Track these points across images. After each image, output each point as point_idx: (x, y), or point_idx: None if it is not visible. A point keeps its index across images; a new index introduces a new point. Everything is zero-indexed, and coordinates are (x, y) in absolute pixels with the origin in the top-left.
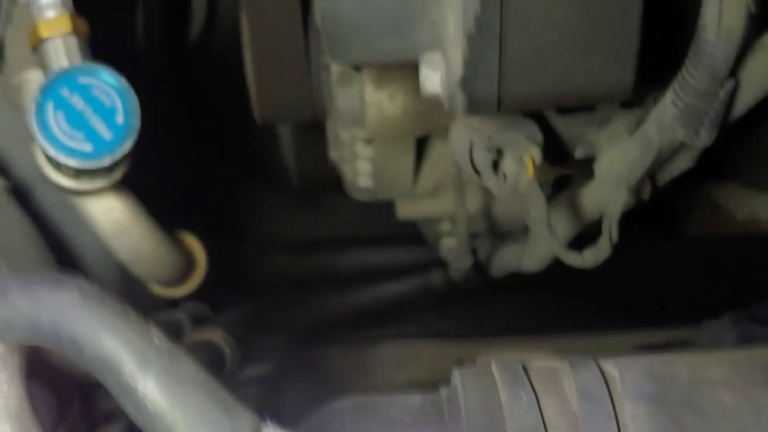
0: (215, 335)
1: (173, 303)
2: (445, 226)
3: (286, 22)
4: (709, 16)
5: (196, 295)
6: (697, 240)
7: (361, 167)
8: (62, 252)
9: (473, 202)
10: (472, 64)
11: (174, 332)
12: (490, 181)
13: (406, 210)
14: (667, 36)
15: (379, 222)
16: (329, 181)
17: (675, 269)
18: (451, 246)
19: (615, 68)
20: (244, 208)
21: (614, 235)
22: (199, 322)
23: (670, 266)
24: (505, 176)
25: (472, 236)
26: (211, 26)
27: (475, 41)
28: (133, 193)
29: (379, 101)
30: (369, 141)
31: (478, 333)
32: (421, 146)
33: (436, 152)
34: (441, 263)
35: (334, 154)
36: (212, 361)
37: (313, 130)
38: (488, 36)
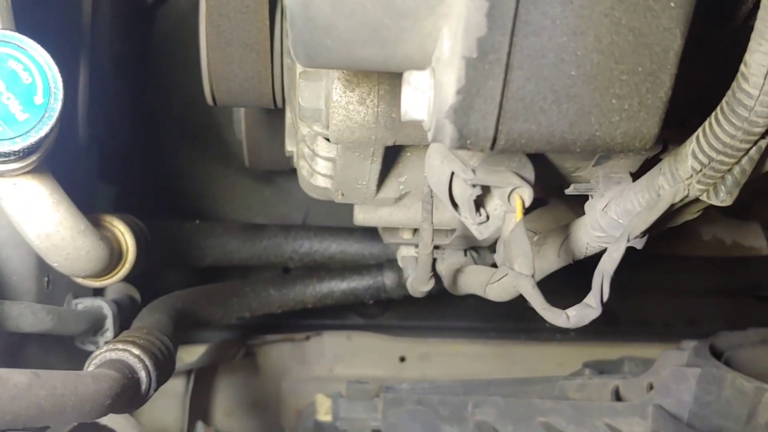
0: (131, 354)
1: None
2: (405, 235)
3: None
4: (756, 65)
5: (128, 276)
6: (659, 258)
7: (319, 166)
8: None
9: (442, 216)
10: (467, 93)
11: (94, 323)
12: (470, 220)
13: (363, 216)
14: (688, 71)
15: (332, 207)
16: (282, 164)
17: (634, 287)
18: (409, 256)
19: (639, 115)
20: (191, 185)
21: (606, 294)
22: (124, 310)
23: (629, 283)
24: (488, 217)
25: (435, 247)
26: None
27: (474, 67)
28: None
29: (347, 103)
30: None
31: (424, 329)
32: (390, 152)
33: (406, 163)
34: (395, 264)
35: (290, 145)
36: (125, 383)
37: (269, 110)
38: (492, 62)
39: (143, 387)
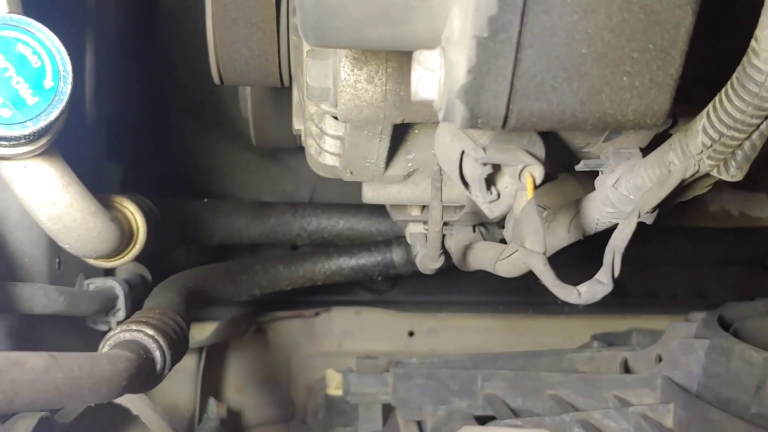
0: (145, 334)
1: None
2: (414, 212)
3: None
4: (767, 40)
5: (139, 256)
6: (666, 230)
7: (327, 145)
8: None
9: (451, 192)
10: (478, 72)
11: (105, 303)
12: (481, 198)
13: (372, 193)
14: (698, 45)
15: (339, 185)
16: (289, 142)
17: (641, 258)
18: (418, 233)
19: (650, 92)
20: (198, 164)
21: (617, 270)
22: (135, 289)
23: (636, 255)
24: (498, 195)
25: (444, 223)
26: None
27: (485, 46)
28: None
29: (356, 82)
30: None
31: (432, 304)
32: (399, 130)
33: (414, 140)
34: (403, 240)
35: (297, 123)
36: (140, 363)
37: (276, 88)
38: (503, 41)
39: (158, 367)
